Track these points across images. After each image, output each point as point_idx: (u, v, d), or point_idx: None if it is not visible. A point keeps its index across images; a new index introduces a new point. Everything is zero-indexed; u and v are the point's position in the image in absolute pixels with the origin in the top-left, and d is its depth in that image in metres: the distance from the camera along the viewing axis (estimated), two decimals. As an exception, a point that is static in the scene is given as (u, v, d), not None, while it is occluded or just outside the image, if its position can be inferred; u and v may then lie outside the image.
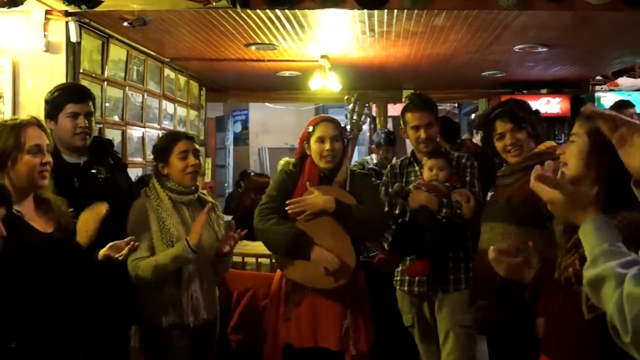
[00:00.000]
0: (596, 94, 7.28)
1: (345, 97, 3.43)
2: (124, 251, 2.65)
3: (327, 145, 3.16)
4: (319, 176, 3.20)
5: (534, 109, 3.13)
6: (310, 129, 3.23)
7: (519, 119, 2.92)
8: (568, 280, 1.68)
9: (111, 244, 2.66)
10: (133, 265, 2.82)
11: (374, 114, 9.23)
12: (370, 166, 5.50)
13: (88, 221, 2.67)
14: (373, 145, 5.66)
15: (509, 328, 2.74)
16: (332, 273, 3.01)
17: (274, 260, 3.70)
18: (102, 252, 2.64)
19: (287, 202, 3.14)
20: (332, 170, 3.20)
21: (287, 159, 3.44)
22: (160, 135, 5.03)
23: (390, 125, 9.53)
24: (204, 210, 2.96)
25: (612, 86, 7.41)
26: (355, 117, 3.33)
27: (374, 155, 5.66)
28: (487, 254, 2.04)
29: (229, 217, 7.97)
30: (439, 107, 5.08)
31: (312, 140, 3.20)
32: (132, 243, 2.69)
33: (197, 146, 3.12)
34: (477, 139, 5.32)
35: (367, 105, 3.37)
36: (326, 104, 10.16)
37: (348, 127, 3.38)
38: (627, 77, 6.99)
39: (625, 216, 1.59)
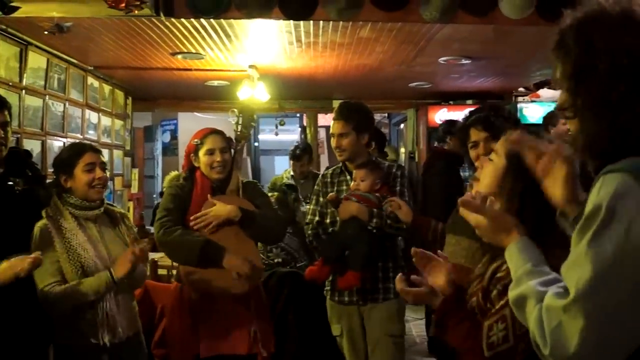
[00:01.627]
0: (519, 105, 7.53)
1: (230, 110, 3.50)
2: (25, 266, 2.42)
3: (217, 157, 3.23)
4: (212, 187, 3.25)
5: (509, 115, 2.85)
6: (197, 141, 3.28)
7: (494, 128, 2.63)
8: (473, 309, 1.67)
9: (18, 257, 2.46)
10: (46, 292, 2.67)
11: (304, 123, 9.26)
12: (284, 181, 5.50)
13: (13, 266, 2.44)
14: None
15: None
16: (243, 278, 3.05)
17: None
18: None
19: (191, 217, 3.16)
20: (223, 180, 3.28)
21: (175, 172, 3.49)
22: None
23: (322, 134, 9.57)
24: (133, 242, 2.83)
25: (533, 97, 7.67)
26: (240, 128, 3.41)
27: (291, 169, 5.68)
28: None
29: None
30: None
31: (201, 152, 3.26)
32: (35, 257, 2.47)
33: (103, 159, 3.02)
34: (449, 145, 5.35)
35: (252, 117, 3.47)
36: (257, 114, 10.10)
37: (234, 138, 3.45)
38: (548, 88, 7.22)
39: None
